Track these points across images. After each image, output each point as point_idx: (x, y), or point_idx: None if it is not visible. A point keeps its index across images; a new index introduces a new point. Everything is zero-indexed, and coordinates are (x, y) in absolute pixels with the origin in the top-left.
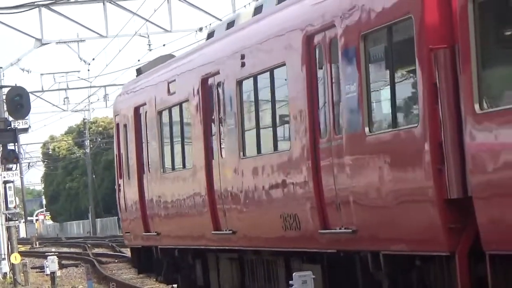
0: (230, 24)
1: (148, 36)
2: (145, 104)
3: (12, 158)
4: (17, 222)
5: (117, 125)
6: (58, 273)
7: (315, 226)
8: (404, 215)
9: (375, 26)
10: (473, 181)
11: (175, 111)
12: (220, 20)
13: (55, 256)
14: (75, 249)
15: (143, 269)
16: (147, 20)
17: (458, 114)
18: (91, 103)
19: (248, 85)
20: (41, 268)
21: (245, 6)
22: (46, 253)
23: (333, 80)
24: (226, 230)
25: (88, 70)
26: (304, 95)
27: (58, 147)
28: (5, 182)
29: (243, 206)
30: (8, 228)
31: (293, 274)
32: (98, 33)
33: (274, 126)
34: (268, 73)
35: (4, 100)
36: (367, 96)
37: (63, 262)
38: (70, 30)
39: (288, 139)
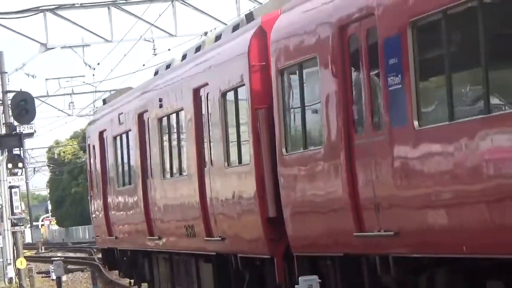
0: (168, 66)
1: (153, 40)
2: (105, 130)
3: (17, 163)
4: (22, 227)
5: (89, 146)
6: (64, 278)
7: (202, 234)
8: (247, 229)
9: (227, 88)
10: (283, 204)
11: (124, 137)
12: (225, 24)
13: (61, 261)
14: (80, 254)
15: (111, 267)
16: (152, 25)
17: (274, 155)
18: (96, 108)
19: (165, 122)
20: (47, 273)
21: (249, 10)
22: (52, 258)
23: (209, 126)
24: (155, 236)
25: (93, 74)
26: (193, 135)
27: (64, 152)
28: (10, 187)
29: (164, 216)
30: (14, 233)
31: (299, 278)
32: (103, 38)
33: (179, 155)
34: (175, 114)
35: (10, 105)
36: (226, 139)
37: (69, 267)
38: (75, 35)
39: (187, 166)
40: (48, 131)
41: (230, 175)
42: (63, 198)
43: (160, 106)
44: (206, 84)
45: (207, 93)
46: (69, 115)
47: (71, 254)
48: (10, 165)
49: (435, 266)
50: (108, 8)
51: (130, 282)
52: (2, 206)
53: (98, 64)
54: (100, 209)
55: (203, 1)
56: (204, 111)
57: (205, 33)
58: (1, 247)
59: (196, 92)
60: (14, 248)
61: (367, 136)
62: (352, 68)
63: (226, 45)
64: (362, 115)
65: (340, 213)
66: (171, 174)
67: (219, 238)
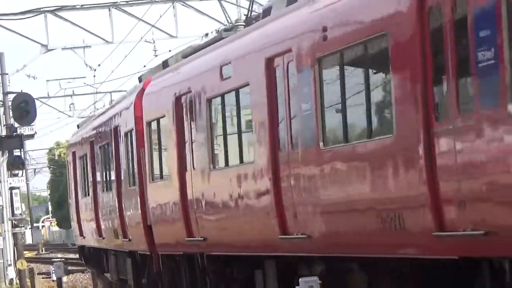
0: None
1: (154, 42)
2: (75, 151)
3: (18, 164)
4: (23, 228)
5: (67, 162)
6: (65, 279)
7: (121, 236)
8: (138, 233)
9: (128, 130)
10: (151, 216)
11: (89, 158)
12: (225, 25)
13: (62, 262)
14: None
15: (85, 261)
16: (152, 26)
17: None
18: (97, 109)
19: (102, 149)
20: (48, 274)
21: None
22: (53, 259)
23: (120, 156)
24: (102, 237)
25: (94, 76)
26: (114, 162)
27: (64, 154)
28: (11, 189)
29: (104, 221)
30: (14, 234)
31: (299, 279)
32: (104, 39)
33: (109, 176)
34: (106, 144)
35: (10, 106)
36: (127, 166)
37: (70, 268)
38: (76, 36)
39: (112, 184)
40: (49, 133)
41: (131, 193)
42: (63, 199)
43: (100, 137)
44: (119, 125)
45: (120, 133)
46: (69, 116)
47: (71, 255)
48: (10, 167)
49: (235, 260)
50: (109, 10)
51: (93, 272)
52: (2, 207)
53: (99, 65)
54: (75, 213)
55: (203, 2)
56: (119, 145)
57: (206, 35)
58: (2, 248)
59: (116, 130)
60: (15, 249)
61: (192, 173)
62: (185, 126)
63: (129, 97)
64: (190, 160)
65: (178, 223)
66: (107, 189)
67: (128, 240)
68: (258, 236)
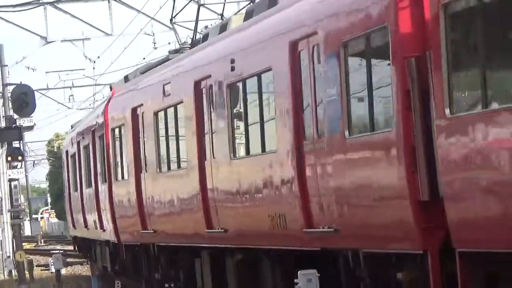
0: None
1: (153, 34)
2: (68, 150)
3: (17, 156)
4: (22, 220)
5: (62, 159)
6: (63, 271)
7: (99, 227)
8: (110, 225)
9: (101, 134)
10: (115, 211)
11: (76, 157)
12: (225, 18)
13: (60, 254)
14: None
15: (79, 250)
16: (152, 18)
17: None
18: (96, 101)
19: (86, 150)
20: (46, 266)
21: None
22: (51, 251)
23: (96, 157)
24: (87, 228)
25: (93, 68)
26: (92, 164)
27: (63, 145)
28: (10, 180)
29: (88, 214)
30: (13, 226)
31: (298, 272)
32: (103, 31)
33: (90, 173)
34: (86, 148)
35: (10, 98)
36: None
37: (68, 260)
38: (75, 28)
39: (94, 181)
40: (48, 124)
41: (104, 189)
42: (62, 191)
43: (83, 138)
44: (95, 129)
45: (96, 136)
46: (69, 108)
47: (70, 247)
48: (9, 158)
49: (181, 250)
50: (108, 2)
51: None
52: (1, 199)
53: (98, 57)
54: (68, 206)
55: None
56: (96, 147)
57: (205, 27)
58: (1, 240)
59: (93, 132)
60: (14, 241)
61: (145, 175)
62: (140, 134)
63: (101, 105)
64: (143, 163)
65: (135, 217)
66: (89, 185)
67: (103, 230)
68: (192, 229)
